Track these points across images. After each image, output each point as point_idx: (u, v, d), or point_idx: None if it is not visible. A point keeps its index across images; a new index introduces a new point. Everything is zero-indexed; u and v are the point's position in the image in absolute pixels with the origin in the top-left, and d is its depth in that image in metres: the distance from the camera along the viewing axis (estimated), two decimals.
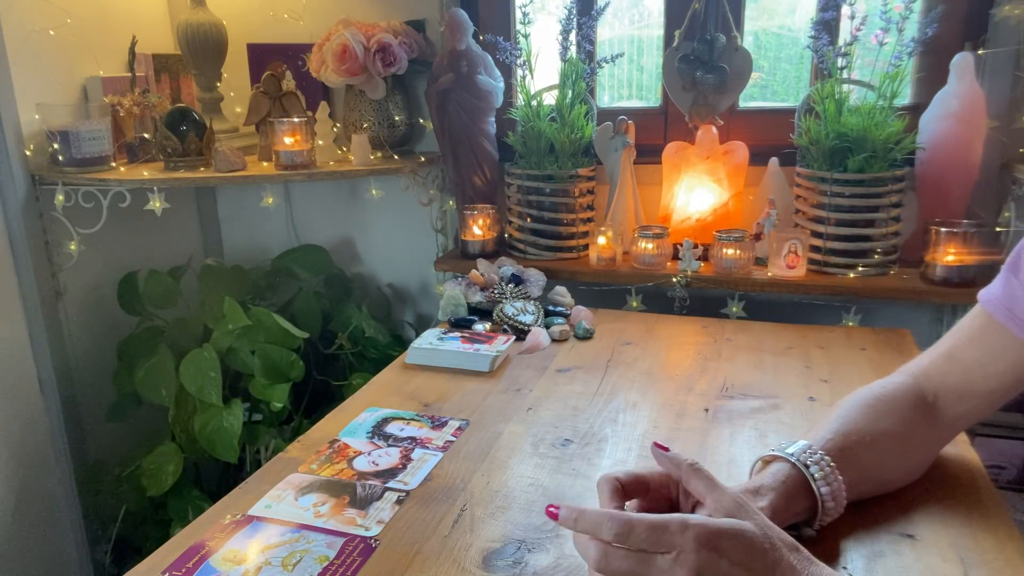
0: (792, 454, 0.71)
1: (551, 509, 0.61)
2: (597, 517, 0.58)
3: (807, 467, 0.70)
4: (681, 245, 1.49)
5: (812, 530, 0.71)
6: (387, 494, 0.82)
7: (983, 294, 0.79)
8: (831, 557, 0.69)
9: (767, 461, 0.74)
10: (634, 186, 1.62)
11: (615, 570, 0.57)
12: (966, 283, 1.36)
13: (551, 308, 1.39)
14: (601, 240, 1.55)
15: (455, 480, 0.85)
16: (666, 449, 0.65)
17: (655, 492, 0.67)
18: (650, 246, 1.51)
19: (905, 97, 1.50)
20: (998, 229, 1.45)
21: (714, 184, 1.56)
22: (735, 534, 0.56)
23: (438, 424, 0.99)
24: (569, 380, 1.12)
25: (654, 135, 1.68)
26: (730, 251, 1.47)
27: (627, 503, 0.66)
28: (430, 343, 1.21)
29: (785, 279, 1.44)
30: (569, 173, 1.56)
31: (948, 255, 1.37)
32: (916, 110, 1.45)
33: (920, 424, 0.78)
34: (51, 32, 1.55)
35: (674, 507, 0.67)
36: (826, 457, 0.71)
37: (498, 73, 1.61)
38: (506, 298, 1.39)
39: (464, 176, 1.67)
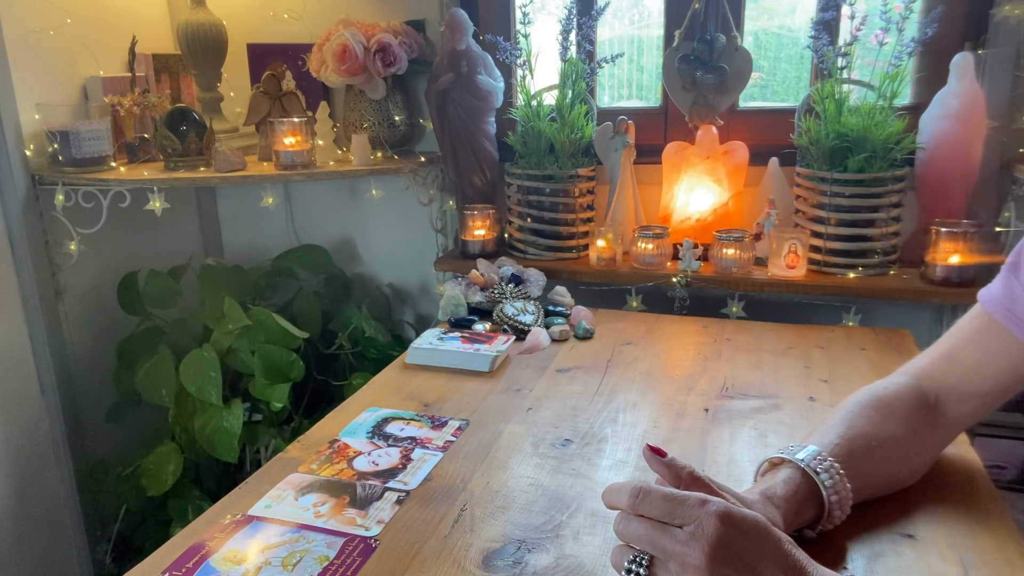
0: (803, 460, 0.70)
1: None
2: (620, 485, 0.59)
3: (817, 474, 0.69)
4: (681, 245, 1.49)
5: (813, 533, 0.71)
6: (387, 494, 0.82)
7: (983, 294, 0.78)
8: (831, 557, 0.69)
9: (775, 463, 0.73)
10: (634, 186, 1.62)
11: (631, 535, 0.58)
12: (966, 283, 1.36)
13: (551, 308, 1.39)
14: (600, 241, 1.55)
15: (455, 480, 0.85)
16: (663, 454, 0.62)
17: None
18: (650, 246, 1.51)
19: (905, 97, 1.50)
20: (998, 229, 1.45)
21: (714, 184, 1.56)
22: (753, 522, 0.56)
23: (438, 424, 0.99)
24: (569, 380, 1.12)
25: (654, 135, 1.68)
26: (730, 251, 1.47)
27: None
28: (430, 343, 1.21)
29: (785, 279, 1.44)
30: (569, 173, 1.56)
31: (948, 255, 1.37)
32: (916, 110, 1.45)
33: (923, 426, 0.78)
34: (51, 32, 1.55)
35: None
36: (836, 464, 0.70)
37: (498, 73, 1.61)
38: (506, 298, 1.39)
39: (464, 176, 1.67)
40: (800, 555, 0.57)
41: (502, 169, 1.67)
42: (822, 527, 0.70)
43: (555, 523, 0.76)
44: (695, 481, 0.62)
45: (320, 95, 1.77)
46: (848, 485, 0.70)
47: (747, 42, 1.59)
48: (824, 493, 0.69)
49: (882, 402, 0.78)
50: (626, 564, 0.58)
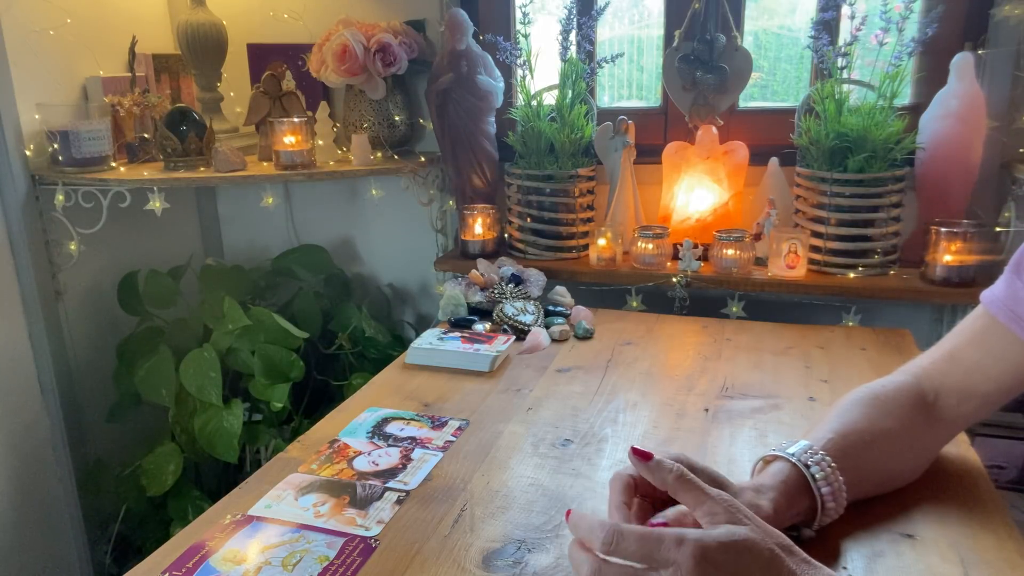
0: (793, 454, 0.71)
1: (568, 512, 0.60)
2: (590, 523, 0.57)
3: (807, 467, 0.70)
4: (681, 245, 1.49)
5: (811, 531, 0.71)
6: (387, 494, 0.82)
7: (985, 295, 0.78)
8: (831, 557, 0.69)
9: (768, 461, 0.74)
10: (634, 186, 1.62)
11: None
12: (966, 283, 1.36)
13: (551, 308, 1.39)
14: (600, 241, 1.55)
15: (455, 480, 0.85)
16: (648, 457, 0.61)
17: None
18: (650, 246, 1.51)
19: (905, 97, 1.50)
20: (998, 229, 1.45)
21: (714, 184, 1.56)
22: (732, 545, 0.54)
23: (438, 424, 0.99)
24: (569, 380, 1.12)
25: (654, 135, 1.68)
26: (730, 251, 1.47)
27: (640, 502, 0.66)
28: (430, 343, 1.21)
29: (785, 279, 1.44)
30: (569, 173, 1.56)
31: (948, 255, 1.37)
32: (916, 110, 1.45)
33: (920, 424, 0.78)
34: (51, 32, 1.55)
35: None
36: (827, 457, 0.71)
37: (498, 73, 1.61)
38: (506, 298, 1.39)
39: (464, 176, 1.67)
40: (792, 563, 0.56)
41: (502, 169, 1.67)
42: (819, 523, 0.70)
43: (555, 523, 0.76)
44: (683, 485, 0.60)
45: (320, 95, 1.77)
46: (840, 478, 0.70)
47: (747, 42, 1.59)
48: (814, 485, 0.69)
49: (877, 399, 0.79)
50: None
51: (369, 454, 0.91)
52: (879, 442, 0.75)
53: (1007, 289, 0.76)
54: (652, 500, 0.67)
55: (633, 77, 1.77)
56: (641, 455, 0.61)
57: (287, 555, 0.72)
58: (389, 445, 0.93)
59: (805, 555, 0.58)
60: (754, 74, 1.58)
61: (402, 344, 1.73)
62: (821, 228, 1.44)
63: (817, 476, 0.69)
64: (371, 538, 0.74)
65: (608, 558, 0.56)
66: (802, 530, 0.71)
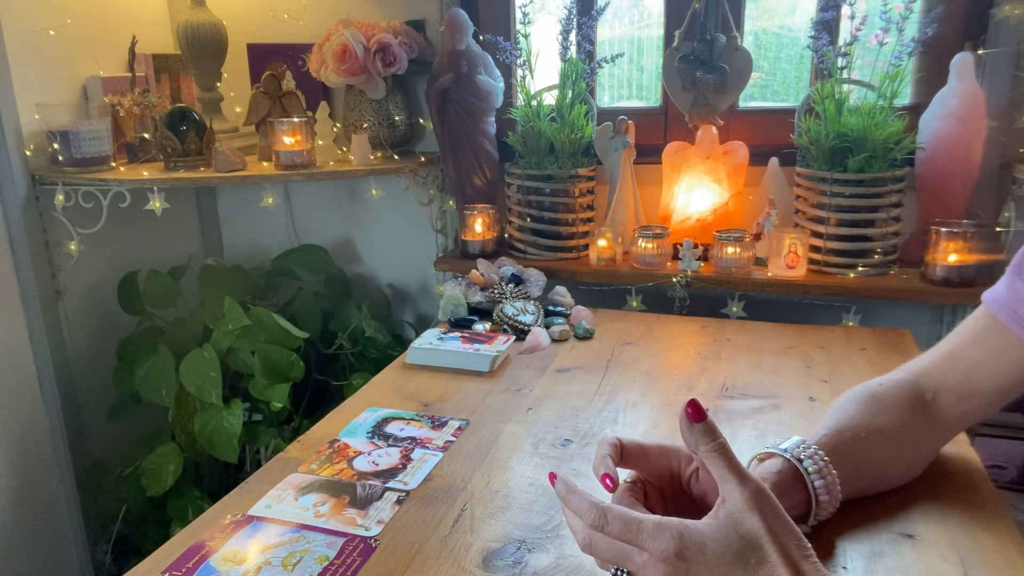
0: (786, 450, 0.72)
1: (552, 474, 0.64)
2: (580, 502, 0.59)
3: (800, 461, 0.70)
4: (681, 245, 1.49)
5: (807, 527, 0.71)
6: (387, 494, 0.82)
7: (987, 295, 0.78)
8: (830, 556, 0.69)
9: (761, 459, 0.74)
10: (634, 186, 1.62)
11: (598, 553, 0.59)
12: (966, 283, 1.36)
13: (551, 308, 1.39)
14: (601, 241, 1.55)
15: (455, 480, 0.85)
16: (703, 417, 0.58)
17: (655, 463, 0.67)
18: (650, 246, 1.51)
19: (905, 97, 1.50)
20: (998, 229, 1.45)
21: (714, 184, 1.56)
22: (709, 539, 0.55)
23: (438, 424, 0.99)
24: (569, 380, 1.12)
25: (654, 135, 1.68)
26: (730, 251, 1.47)
27: (625, 471, 0.66)
28: (430, 343, 1.21)
29: (785, 279, 1.44)
30: (569, 173, 1.56)
31: (948, 255, 1.37)
32: (916, 110, 1.45)
33: (917, 422, 0.78)
34: (51, 32, 1.55)
35: (675, 477, 0.67)
36: (819, 452, 0.71)
37: (498, 73, 1.61)
38: (506, 298, 1.39)
39: (464, 176, 1.67)
40: (807, 566, 0.55)
41: (502, 169, 1.67)
42: (815, 517, 0.71)
43: (555, 523, 0.76)
44: (713, 456, 0.58)
45: (320, 95, 1.77)
46: (834, 472, 0.70)
47: (747, 42, 1.59)
48: (807, 479, 0.69)
49: (874, 396, 0.79)
50: (612, 570, 0.60)
51: (369, 454, 0.91)
52: (874, 438, 0.75)
53: (1008, 289, 0.76)
54: (643, 482, 0.67)
55: (633, 77, 1.77)
56: (697, 414, 0.58)
57: (287, 555, 0.72)
58: (389, 445, 0.93)
59: (801, 555, 0.57)
60: (754, 74, 1.58)
61: (402, 344, 1.73)
62: (821, 228, 1.44)
63: (810, 469, 0.70)
64: (371, 538, 0.74)
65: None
66: (798, 525, 0.71)
